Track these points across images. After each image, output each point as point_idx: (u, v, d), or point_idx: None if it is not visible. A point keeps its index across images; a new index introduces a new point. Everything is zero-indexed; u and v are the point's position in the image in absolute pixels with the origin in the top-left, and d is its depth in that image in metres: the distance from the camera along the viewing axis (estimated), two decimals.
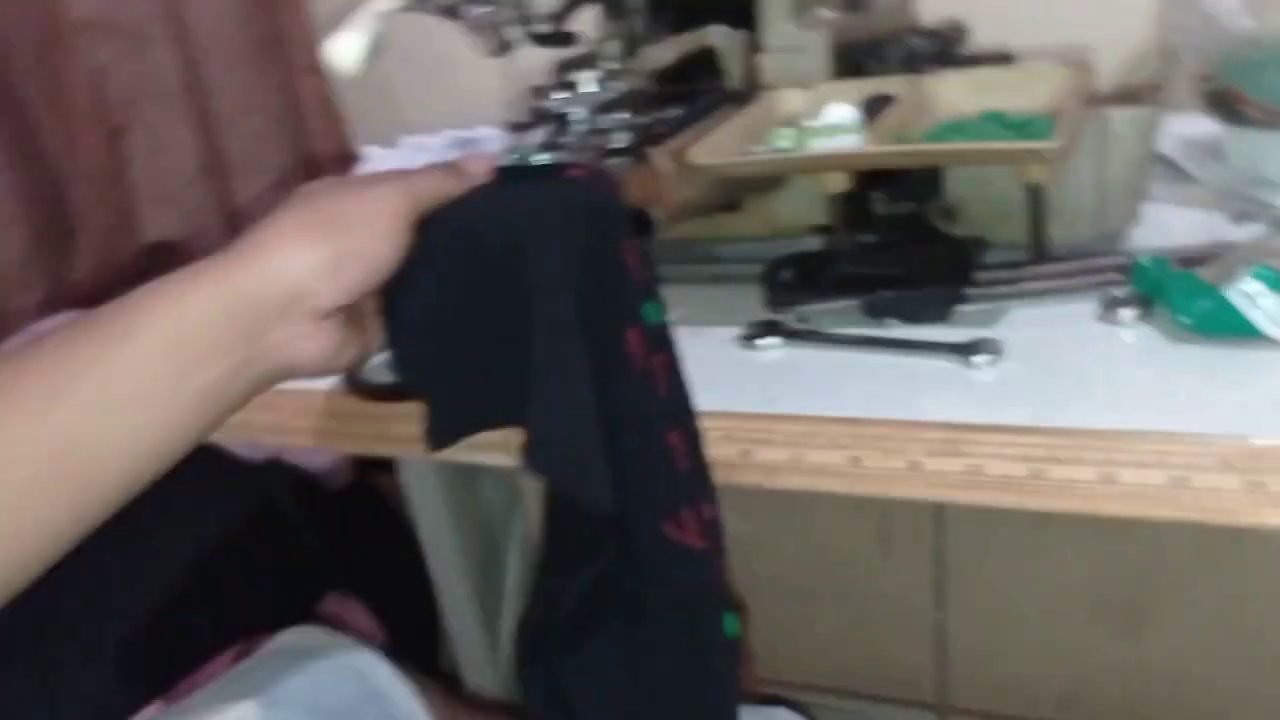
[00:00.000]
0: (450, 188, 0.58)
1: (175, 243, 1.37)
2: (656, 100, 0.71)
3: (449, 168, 0.59)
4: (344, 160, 1.29)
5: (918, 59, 0.75)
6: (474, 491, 1.17)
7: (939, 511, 1.13)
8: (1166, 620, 1.25)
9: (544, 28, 0.62)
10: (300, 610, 1.34)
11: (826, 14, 0.75)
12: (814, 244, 0.75)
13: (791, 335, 0.67)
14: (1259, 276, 0.56)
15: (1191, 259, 0.63)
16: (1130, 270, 0.63)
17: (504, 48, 0.62)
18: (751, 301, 0.71)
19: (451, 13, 0.59)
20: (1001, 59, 0.81)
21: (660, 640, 0.63)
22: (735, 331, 0.69)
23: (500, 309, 0.57)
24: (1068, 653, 1.31)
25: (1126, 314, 0.62)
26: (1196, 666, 1.25)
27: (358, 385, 0.71)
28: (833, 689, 1.32)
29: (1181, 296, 0.59)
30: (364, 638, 1.45)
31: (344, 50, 0.61)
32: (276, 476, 1.37)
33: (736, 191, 0.73)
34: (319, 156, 1.36)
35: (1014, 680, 1.32)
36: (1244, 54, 0.69)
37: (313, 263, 0.52)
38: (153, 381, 0.52)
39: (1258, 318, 0.56)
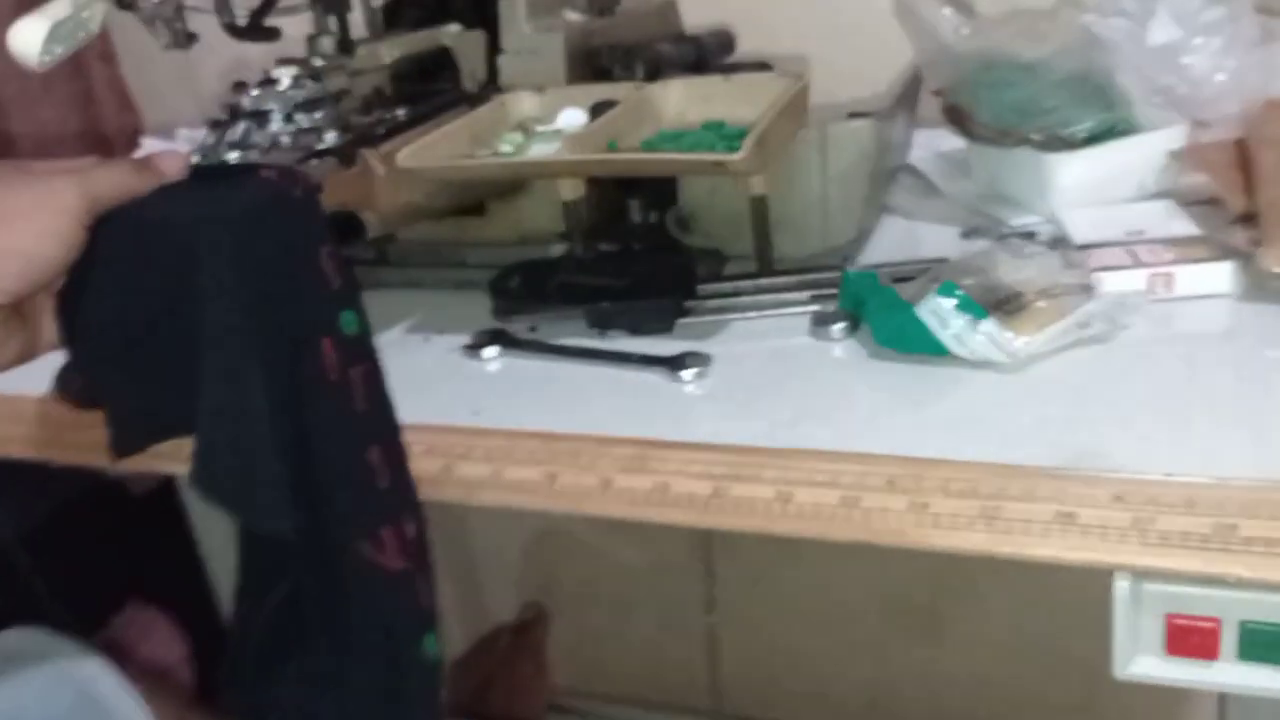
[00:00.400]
0: (135, 185, 0.55)
1: None
2: (386, 100, 0.69)
3: (138, 164, 0.56)
4: (134, 147, 1.24)
5: (666, 67, 0.74)
6: None
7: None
8: (961, 625, 1.28)
9: (240, 21, 0.60)
10: (94, 621, 1.29)
11: (572, 17, 0.74)
12: (557, 251, 0.74)
13: (514, 345, 0.66)
14: (946, 293, 0.56)
15: (903, 275, 0.63)
16: (840, 287, 0.63)
17: (185, 40, 0.59)
18: (489, 310, 0.70)
19: (126, 4, 0.56)
20: (760, 68, 0.81)
21: (359, 662, 0.61)
22: (465, 340, 0.68)
23: (174, 314, 0.55)
24: (865, 658, 1.33)
25: (835, 328, 0.62)
26: (992, 670, 1.29)
27: (66, 392, 0.68)
28: (606, 696, 1.32)
29: (879, 313, 0.59)
30: (166, 647, 1.41)
31: (23, 38, 0.58)
32: (73, 478, 1.32)
33: (474, 194, 0.72)
34: (112, 144, 1.30)
35: (810, 686, 1.34)
36: (969, 73, 0.70)
37: None
38: None
39: (944, 336, 0.56)
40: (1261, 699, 0.83)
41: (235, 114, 0.59)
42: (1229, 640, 0.49)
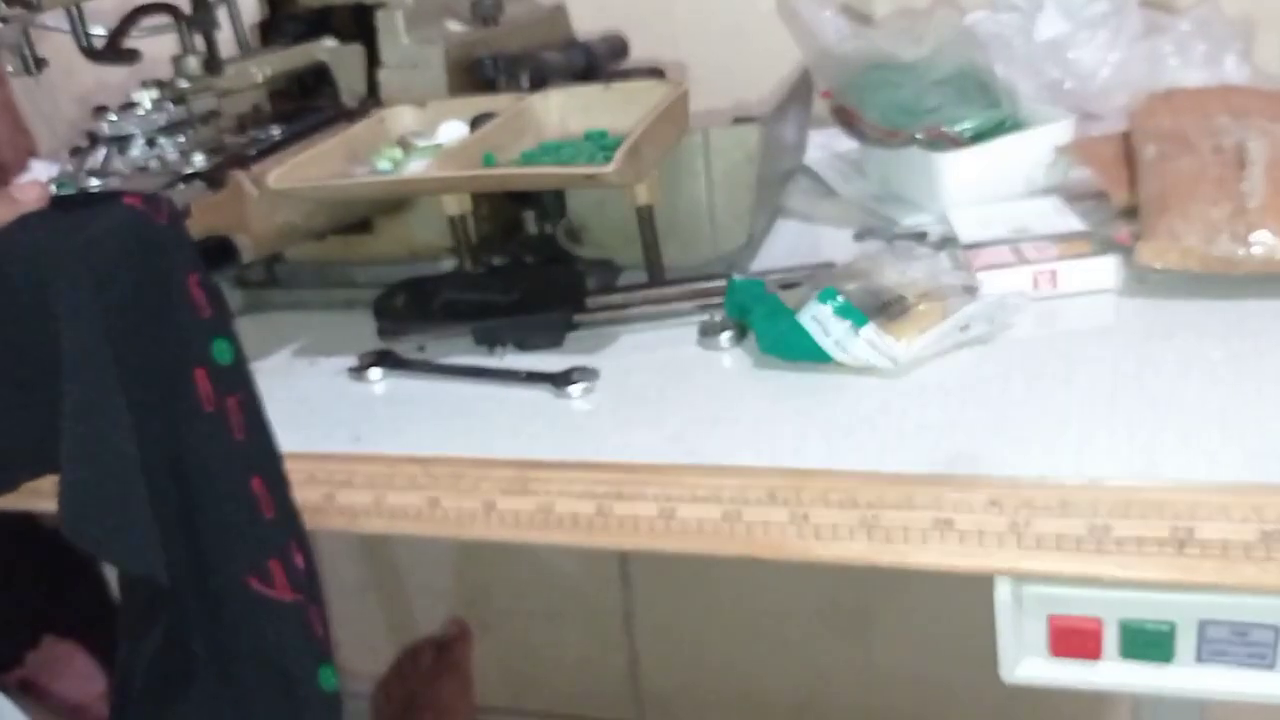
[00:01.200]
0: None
1: None
2: (261, 119, 0.67)
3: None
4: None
5: (552, 75, 0.73)
6: None
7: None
8: (891, 622, 1.29)
9: (98, 44, 0.58)
10: (5, 659, 1.26)
11: (454, 27, 0.72)
12: (448, 266, 0.73)
13: (399, 365, 0.65)
14: (825, 300, 0.56)
15: (791, 281, 0.63)
16: (725, 295, 0.62)
17: (35, 66, 0.57)
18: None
19: None
20: (653, 74, 0.80)
21: (253, 699, 0.60)
22: (351, 362, 0.66)
23: (32, 349, 0.53)
24: (795, 659, 1.33)
25: (722, 338, 0.61)
26: (923, 667, 1.29)
27: None
28: (535, 712, 1.31)
29: (763, 321, 0.59)
30: (84, 682, 1.37)
31: None
32: None
33: (354, 213, 0.70)
34: (3, 164, 1.27)
35: (740, 690, 1.34)
36: (854, 74, 0.70)
37: None
38: None
39: (826, 343, 0.56)
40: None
41: (95, 140, 0.57)
42: (1110, 639, 0.49)
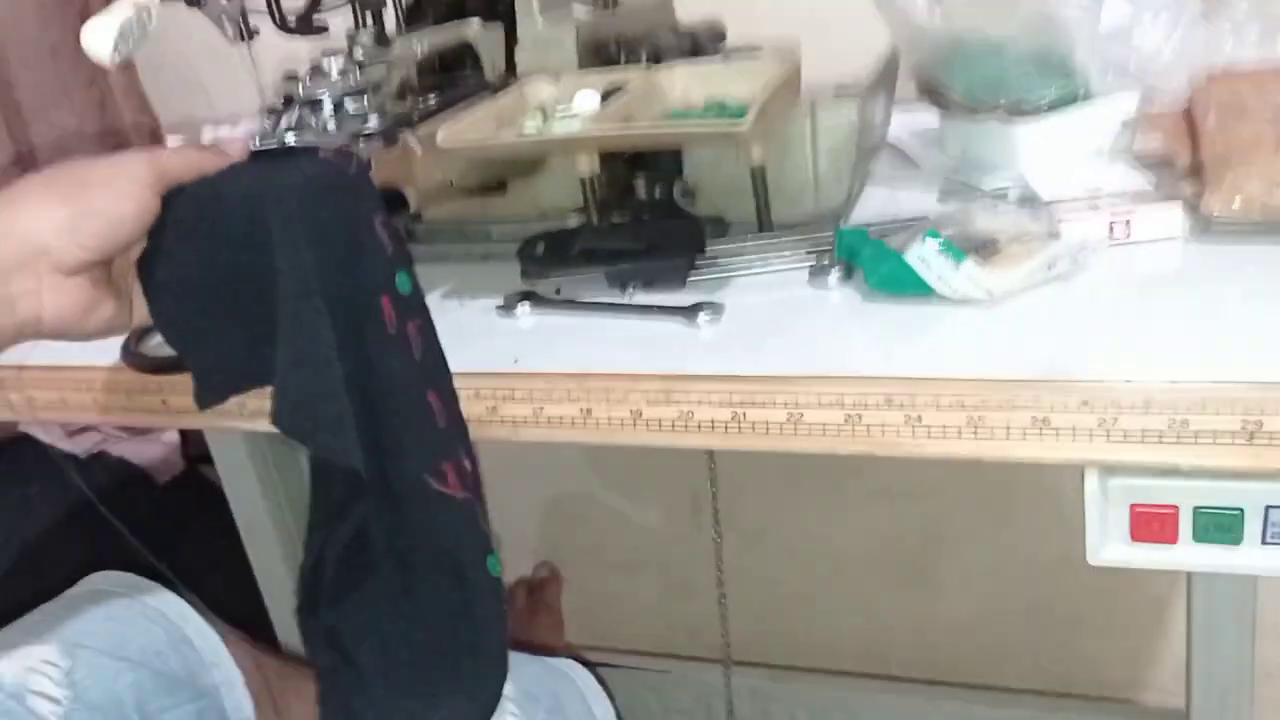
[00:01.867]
0: (202, 163, 0.62)
1: None
2: (416, 88, 0.76)
3: (203, 146, 0.63)
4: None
5: (665, 54, 0.82)
6: (292, 476, 1.19)
7: (719, 480, 1.21)
8: (947, 575, 1.36)
9: (292, 19, 0.67)
10: None
11: (580, 11, 0.81)
12: (574, 223, 0.81)
13: (543, 303, 0.73)
14: (930, 239, 0.64)
15: (888, 230, 0.71)
16: (834, 240, 0.70)
17: (247, 34, 0.66)
18: (516, 276, 0.77)
19: (194, 1, 0.63)
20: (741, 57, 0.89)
21: (428, 584, 0.68)
22: (496, 302, 0.75)
23: (249, 276, 0.62)
24: (860, 608, 1.41)
25: (831, 277, 0.69)
26: (975, 619, 1.37)
27: (134, 358, 0.74)
28: (637, 651, 1.39)
29: (871, 260, 0.67)
30: None
31: (95, 37, 0.64)
32: (99, 469, 1.38)
33: (496, 174, 0.79)
34: (130, 145, 1.37)
35: (809, 635, 1.42)
36: (942, 51, 0.78)
37: (51, 221, 0.56)
38: None
39: (930, 277, 0.64)
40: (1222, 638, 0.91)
41: (290, 101, 0.66)
42: (1186, 524, 0.57)
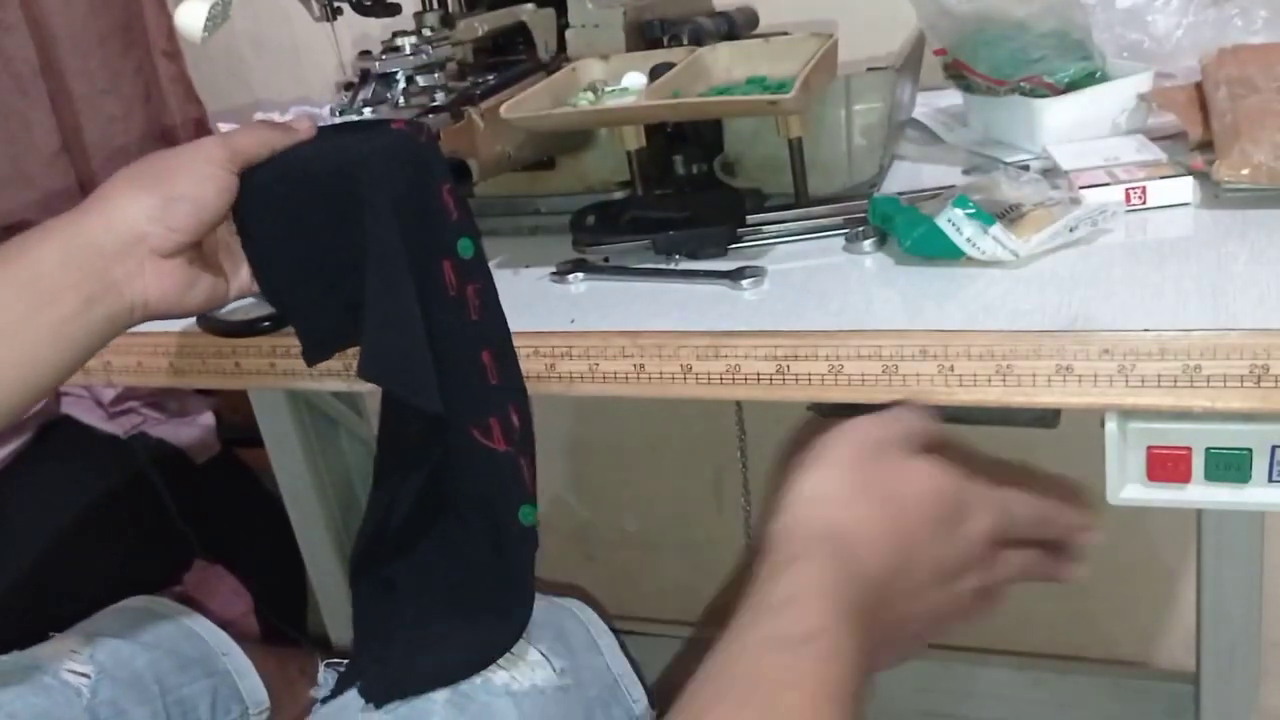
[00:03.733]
0: (274, 140, 0.67)
1: (34, 224, 1.41)
2: (475, 68, 0.81)
3: (274, 124, 0.69)
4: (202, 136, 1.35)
5: (705, 36, 0.87)
6: (334, 449, 1.24)
7: (748, 459, 1.26)
8: None
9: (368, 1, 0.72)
10: (165, 579, 1.40)
11: None
12: (620, 197, 0.86)
13: (594, 270, 0.78)
14: (961, 205, 0.69)
15: (919, 198, 0.76)
16: (869, 208, 0.75)
17: (331, 13, 0.71)
18: (565, 248, 0.82)
19: None
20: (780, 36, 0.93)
21: (464, 524, 0.74)
22: (549, 270, 0.80)
23: (341, 240, 0.67)
24: None
25: (866, 244, 0.74)
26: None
27: (211, 323, 0.79)
28: (672, 620, 1.44)
29: (904, 226, 0.71)
30: (231, 601, 1.52)
31: (189, 18, 0.70)
32: (140, 449, 1.42)
33: (549, 149, 0.84)
34: (176, 137, 1.42)
35: None
36: (967, 32, 0.83)
37: (143, 208, 0.62)
38: (10, 316, 0.60)
39: (960, 240, 0.69)
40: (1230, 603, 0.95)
41: (366, 76, 0.71)
42: (1198, 464, 0.61)
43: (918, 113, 0.99)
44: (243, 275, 0.69)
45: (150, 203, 0.62)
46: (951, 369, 0.63)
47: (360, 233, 0.65)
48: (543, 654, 0.78)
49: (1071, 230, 0.69)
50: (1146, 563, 1.31)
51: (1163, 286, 0.64)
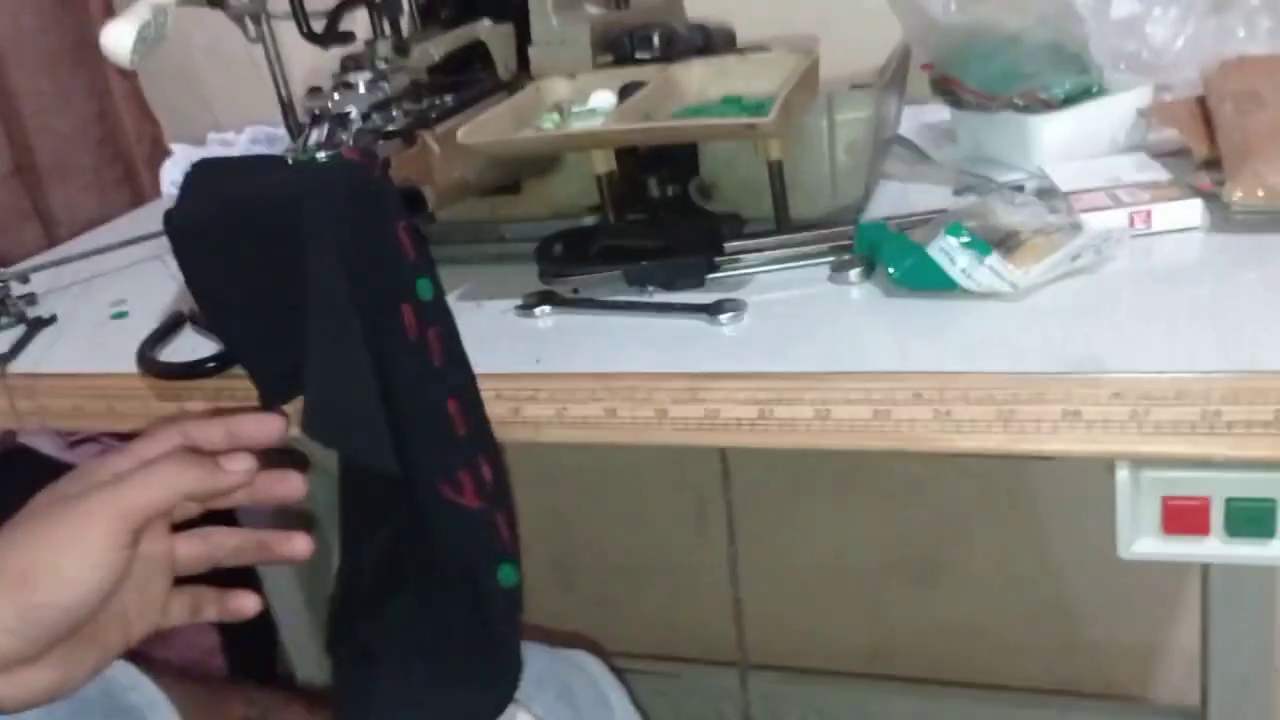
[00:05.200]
0: (190, 485, 0.57)
1: None
2: (431, 88, 0.76)
3: (190, 462, 0.58)
4: (155, 158, 1.30)
5: (680, 45, 0.81)
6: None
7: (730, 486, 1.21)
8: (955, 576, 1.36)
9: (317, 26, 0.66)
10: None
11: (591, 10, 0.81)
12: (589, 223, 0.81)
13: (562, 303, 0.73)
14: (953, 233, 0.64)
15: (908, 224, 0.71)
16: (854, 234, 0.70)
17: (271, 40, 0.66)
18: (532, 276, 0.76)
19: (218, 3, 0.62)
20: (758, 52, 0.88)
21: (446, 593, 0.68)
22: (514, 303, 0.74)
23: (284, 282, 0.62)
24: (868, 610, 1.41)
25: (852, 273, 0.69)
26: (983, 619, 1.36)
27: (152, 365, 0.74)
28: (646, 655, 1.39)
29: (893, 255, 0.66)
30: (196, 638, 1.45)
31: (115, 39, 0.64)
32: None
33: (512, 173, 0.78)
34: (131, 156, 1.36)
35: (817, 636, 1.42)
36: (957, 45, 0.78)
37: None
38: None
39: (954, 271, 0.64)
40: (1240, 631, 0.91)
41: (318, 118, 0.65)
42: (1217, 516, 0.57)
43: (904, 129, 0.94)
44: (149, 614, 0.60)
45: (5, 612, 0.52)
46: (949, 414, 0.58)
47: (303, 277, 0.60)
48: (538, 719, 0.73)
49: (1074, 259, 0.64)
50: (1142, 590, 1.27)
51: (1175, 321, 0.59)
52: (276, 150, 0.71)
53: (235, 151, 1.00)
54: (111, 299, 0.89)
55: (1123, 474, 0.57)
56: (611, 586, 1.50)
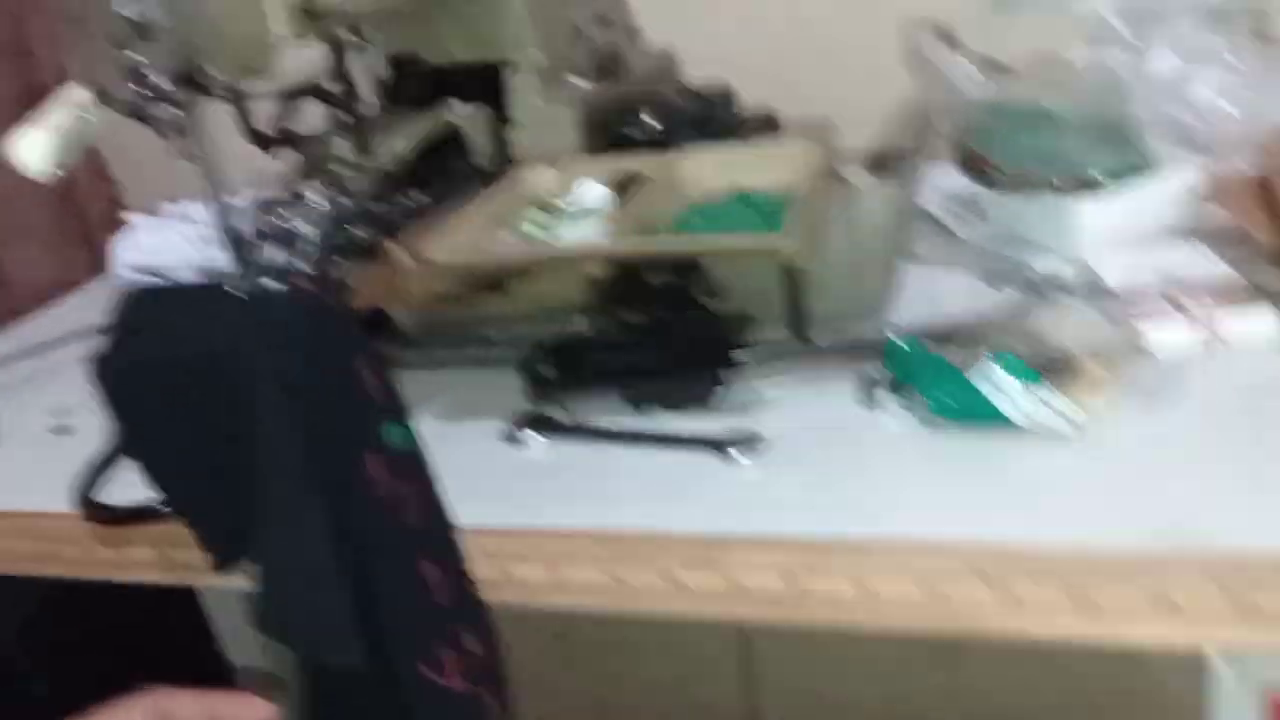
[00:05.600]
0: None
1: None
2: (398, 184, 0.67)
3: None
4: (110, 221, 1.20)
5: (677, 118, 0.73)
6: None
7: None
8: (981, 651, 1.28)
9: (264, 129, 0.57)
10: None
11: (578, 83, 0.72)
12: (580, 323, 0.72)
13: (553, 429, 0.64)
14: (1003, 363, 0.56)
15: (943, 335, 0.62)
16: (884, 351, 0.62)
17: (201, 152, 0.56)
18: (518, 382, 0.68)
19: (139, 115, 0.53)
20: (767, 124, 0.80)
21: None
22: (498, 424, 0.66)
23: (232, 443, 0.53)
24: (890, 683, 1.32)
25: (885, 398, 0.61)
26: (1011, 696, 1.28)
27: (92, 509, 0.65)
28: None
29: (931, 381, 0.58)
30: None
31: (28, 153, 0.55)
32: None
33: (493, 280, 0.69)
34: (88, 220, 1.26)
35: (833, 707, 1.34)
36: (985, 120, 0.69)
37: None
38: None
39: (1005, 406, 0.55)
40: None
41: (265, 236, 0.56)
42: None
43: (924, 197, 0.85)
44: None
45: None
46: (1011, 594, 0.49)
47: (249, 440, 0.51)
48: None
49: (1140, 389, 0.56)
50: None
51: (1262, 470, 0.51)
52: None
53: (196, 229, 0.90)
54: (53, 405, 0.81)
55: (1221, 665, 0.49)
56: (613, 662, 1.41)
